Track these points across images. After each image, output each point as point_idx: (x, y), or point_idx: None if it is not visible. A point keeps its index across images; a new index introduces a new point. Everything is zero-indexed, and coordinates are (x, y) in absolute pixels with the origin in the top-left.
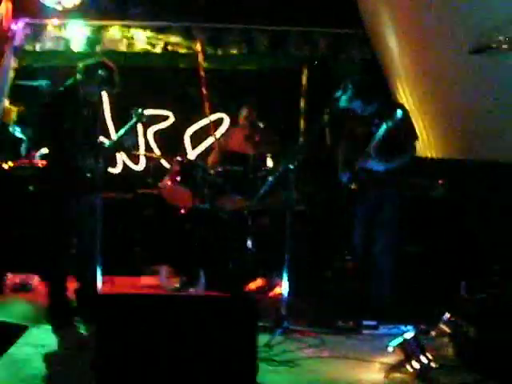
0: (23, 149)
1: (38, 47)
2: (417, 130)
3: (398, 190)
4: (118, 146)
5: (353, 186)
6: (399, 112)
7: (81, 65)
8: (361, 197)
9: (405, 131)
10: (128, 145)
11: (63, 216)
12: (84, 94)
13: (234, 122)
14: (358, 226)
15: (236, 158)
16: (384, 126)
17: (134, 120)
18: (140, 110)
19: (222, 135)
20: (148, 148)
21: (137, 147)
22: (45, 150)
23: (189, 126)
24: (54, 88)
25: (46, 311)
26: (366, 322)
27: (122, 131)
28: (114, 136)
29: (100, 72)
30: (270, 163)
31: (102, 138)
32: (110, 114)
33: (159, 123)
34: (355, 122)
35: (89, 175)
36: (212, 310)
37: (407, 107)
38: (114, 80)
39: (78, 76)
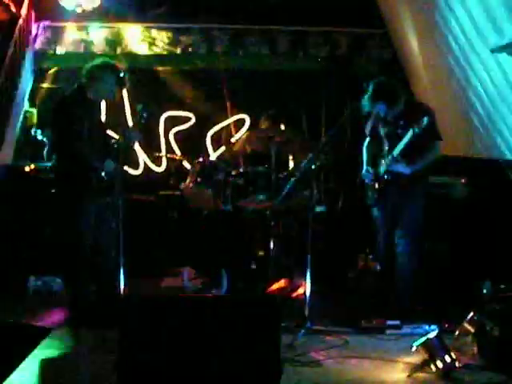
0: (44, 152)
1: (58, 50)
2: (441, 131)
3: (421, 189)
4: (127, 143)
5: (376, 186)
6: (426, 118)
7: (85, 67)
8: (384, 196)
9: (430, 133)
10: (134, 140)
11: (81, 217)
12: (93, 96)
13: (255, 123)
14: (380, 225)
15: (258, 159)
16: (411, 133)
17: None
18: (141, 107)
19: (241, 137)
20: (169, 149)
21: (158, 149)
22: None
23: (210, 127)
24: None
25: (68, 313)
26: (389, 322)
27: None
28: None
29: (105, 73)
30: (291, 164)
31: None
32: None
33: (181, 124)
34: (379, 122)
35: (103, 175)
36: (235, 311)
37: (431, 107)
38: (121, 80)
39: (84, 79)
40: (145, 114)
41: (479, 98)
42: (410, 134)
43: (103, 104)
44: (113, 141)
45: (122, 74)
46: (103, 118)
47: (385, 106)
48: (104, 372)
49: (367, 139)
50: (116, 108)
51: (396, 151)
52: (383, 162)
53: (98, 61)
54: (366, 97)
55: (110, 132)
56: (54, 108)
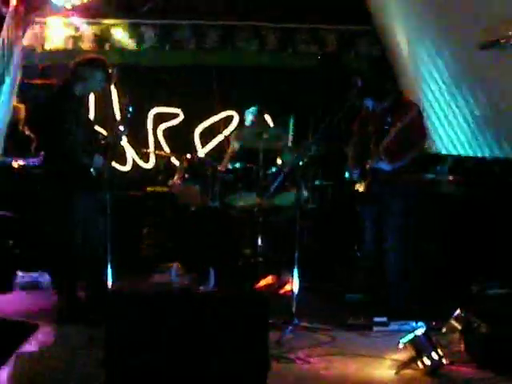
0: (32, 148)
1: (46, 46)
2: (427, 128)
3: (407, 187)
4: (116, 139)
5: (361, 186)
6: (412, 113)
7: (73, 63)
8: (370, 194)
9: (416, 130)
10: (122, 135)
11: (70, 214)
12: (80, 92)
13: (243, 120)
14: (368, 223)
15: (246, 155)
16: (397, 128)
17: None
18: (126, 101)
19: (230, 134)
20: (158, 146)
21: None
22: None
23: (198, 124)
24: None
25: (55, 309)
26: (376, 319)
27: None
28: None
29: (93, 69)
30: (279, 160)
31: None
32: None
33: (169, 121)
34: (366, 119)
35: (92, 171)
36: (223, 307)
37: (419, 104)
38: (107, 75)
39: (71, 75)
40: (130, 109)
41: (468, 94)
42: (395, 129)
43: (91, 100)
44: (101, 136)
45: (110, 70)
46: (91, 113)
47: (373, 101)
48: (90, 368)
49: (355, 136)
50: (104, 104)
51: (381, 147)
52: (370, 160)
53: (85, 57)
54: (354, 93)
55: (97, 127)
56: (42, 104)
